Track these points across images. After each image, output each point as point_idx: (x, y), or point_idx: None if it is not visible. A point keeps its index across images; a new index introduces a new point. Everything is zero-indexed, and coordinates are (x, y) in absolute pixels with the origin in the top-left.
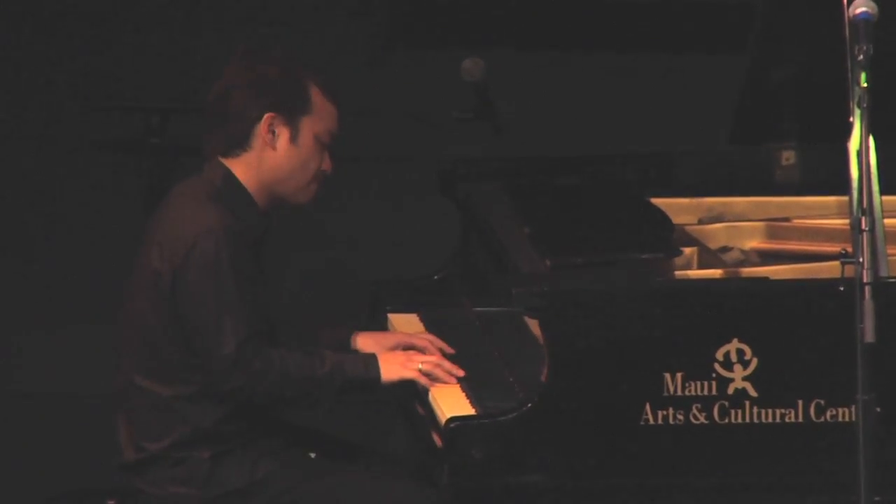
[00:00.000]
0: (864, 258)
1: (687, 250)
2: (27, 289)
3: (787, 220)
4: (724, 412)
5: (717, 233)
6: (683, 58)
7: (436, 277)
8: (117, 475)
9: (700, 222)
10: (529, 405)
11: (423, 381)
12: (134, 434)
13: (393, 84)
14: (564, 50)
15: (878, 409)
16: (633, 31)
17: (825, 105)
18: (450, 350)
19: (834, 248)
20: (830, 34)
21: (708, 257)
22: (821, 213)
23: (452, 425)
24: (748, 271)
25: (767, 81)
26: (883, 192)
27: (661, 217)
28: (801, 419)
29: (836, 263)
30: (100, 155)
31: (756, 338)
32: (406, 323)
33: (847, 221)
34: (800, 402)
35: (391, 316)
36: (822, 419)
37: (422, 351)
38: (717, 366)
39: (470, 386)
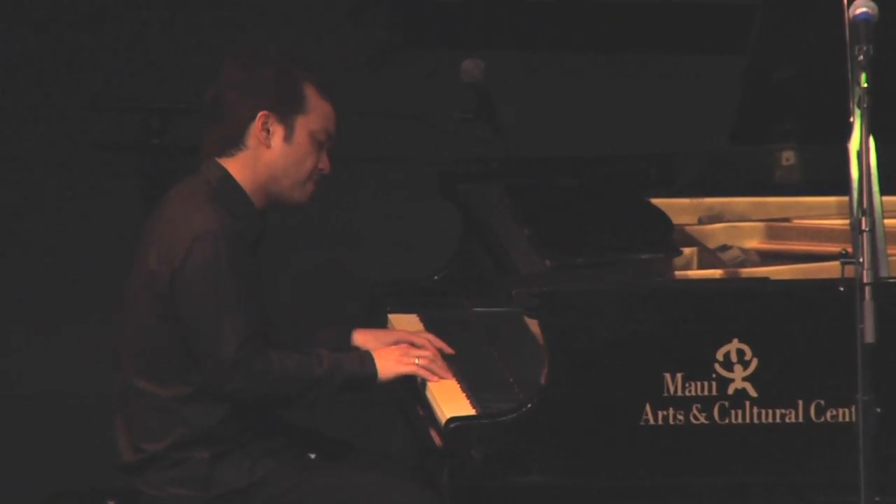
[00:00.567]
0: (865, 258)
1: (687, 250)
2: (27, 289)
3: (787, 220)
4: (724, 412)
5: (717, 233)
6: (683, 58)
7: (436, 278)
8: (117, 476)
9: (700, 222)
10: (529, 405)
11: (421, 373)
12: (133, 435)
13: (393, 85)
14: (564, 51)
15: (878, 410)
16: (634, 33)
17: (825, 105)
18: (448, 350)
19: (834, 248)
20: (830, 35)
21: (708, 257)
22: (821, 213)
23: (452, 425)
24: (748, 271)
25: (767, 82)
26: (883, 192)
27: (662, 217)
28: (801, 419)
29: (836, 264)
30: (100, 156)
31: (756, 338)
32: (406, 323)
33: (847, 222)
34: (800, 403)
35: (391, 316)
36: (823, 419)
37: (419, 348)
38: (717, 366)
39: (470, 386)
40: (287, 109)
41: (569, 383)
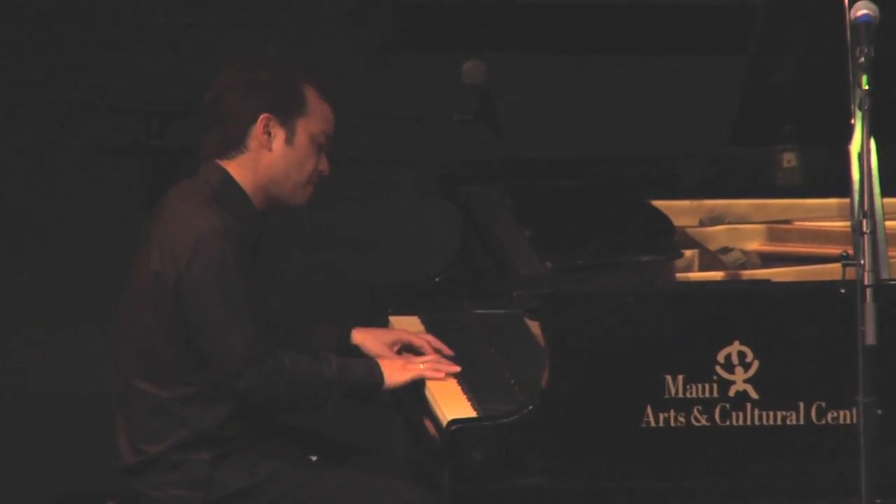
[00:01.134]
0: (866, 260)
1: (688, 252)
2: (28, 290)
3: (788, 222)
4: (725, 414)
5: (718, 235)
6: (684, 60)
7: (437, 279)
8: (118, 478)
9: (701, 224)
10: (530, 407)
11: (427, 374)
12: (133, 437)
13: (394, 87)
14: (565, 53)
15: (880, 412)
16: (634, 34)
17: (826, 107)
18: (448, 351)
19: (835, 250)
20: (832, 36)
21: (709, 259)
22: (822, 215)
23: (453, 428)
24: (749, 274)
25: (768, 83)
26: (884, 194)
27: (662, 219)
28: (802, 421)
29: (838, 266)
30: (100, 158)
31: (757, 340)
32: (407, 325)
33: (848, 224)
34: (801, 405)
35: (392, 318)
36: (824, 421)
37: (419, 350)
38: (718, 368)
39: (471, 388)
40: (288, 112)
41: (570, 385)
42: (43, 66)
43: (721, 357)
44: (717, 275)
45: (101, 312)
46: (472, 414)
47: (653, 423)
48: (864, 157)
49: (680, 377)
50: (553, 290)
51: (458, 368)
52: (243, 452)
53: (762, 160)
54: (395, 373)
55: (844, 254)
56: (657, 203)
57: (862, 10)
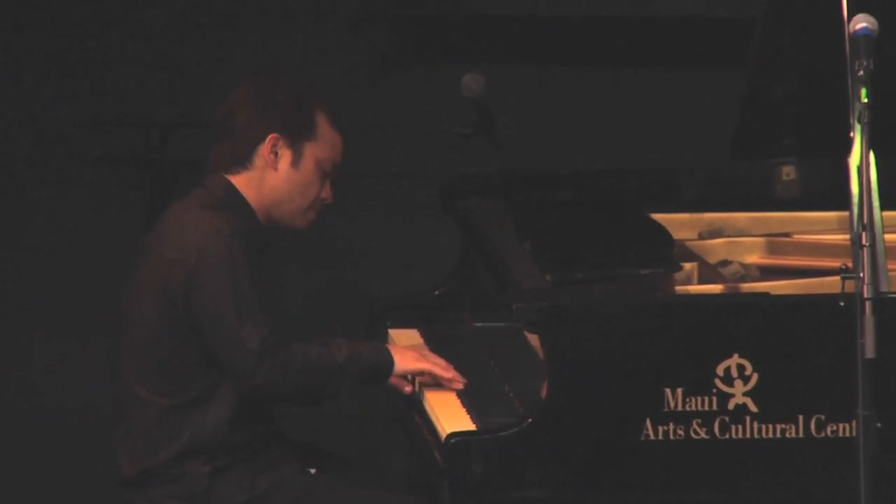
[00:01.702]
0: (865, 273)
1: (687, 265)
2: (27, 302)
3: (787, 235)
4: (724, 427)
5: (717, 248)
6: (684, 73)
7: (436, 293)
8: (116, 492)
9: (700, 237)
10: (530, 420)
11: (436, 371)
12: (133, 446)
13: (393, 100)
14: (564, 66)
15: (879, 425)
16: (634, 47)
17: (825, 120)
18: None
19: (834, 263)
20: (831, 49)
21: (708, 272)
22: (821, 228)
23: (453, 441)
24: (749, 286)
25: (768, 97)
26: (883, 207)
27: (662, 232)
28: (801, 434)
29: (837, 279)
30: (101, 170)
31: (756, 353)
32: (407, 338)
33: (847, 237)
34: (800, 418)
35: (392, 331)
36: (823, 434)
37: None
38: (717, 381)
39: (470, 401)
40: (298, 135)
41: (569, 398)
42: (43, 79)
43: (720, 370)
44: (716, 288)
45: (100, 324)
46: (472, 427)
47: (652, 437)
48: (863, 169)
49: (679, 390)
50: (552, 303)
51: (463, 382)
52: (242, 465)
53: (761, 173)
54: (407, 359)
55: (844, 267)
56: (656, 216)
57: (861, 24)
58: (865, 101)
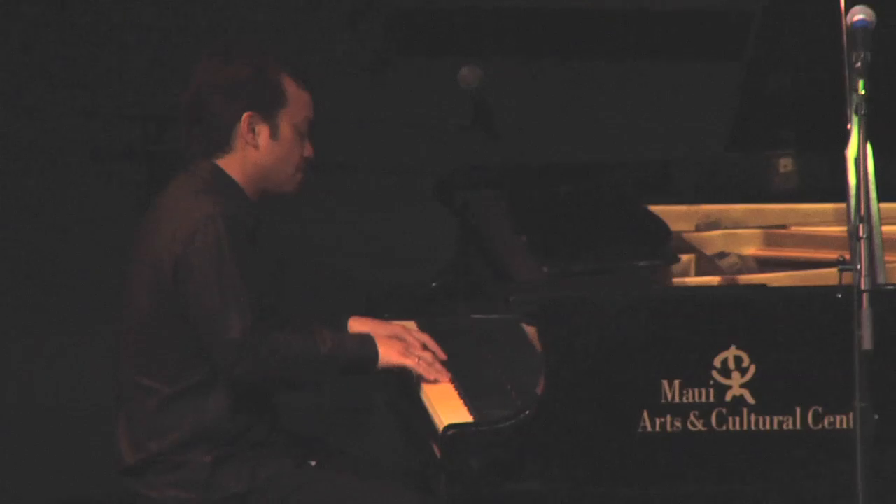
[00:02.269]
0: (862, 265)
1: (684, 257)
2: (25, 294)
3: (784, 227)
4: (721, 419)
5: (714, 240)
6: (681, 65)
7: (433, 285)
8: (116, 481)
9: (698, 229)
10: (527, 412)
11: (420, 369)
12: (134, 434)
13: (390, 92)
14: (562, 58)
15: (876, 417)
16: (631, 40)
17: (823, 112)
18: (442, 355)
19: (832, 255)
20: (828, 41)
21: (706, 264)
22: (818, 220)
23: (450, 433)
24: (746, 278)
25: (765, 88)
26: (881, 199)
27: (659, 224)
28: (798, 426)
29: (834, 271)
30: (98, 162)
31: (754, 345)
32: None
33: (845, 229)
34: (797, 410)
35: None
36: (820, 426)
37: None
38: (714, 373)
39: (467, 393)
40: (270, 107)
41: (566, 390)
42: (40, 72)
43: (717, 362)
44: (713, 279)
45: (98, 316)
46: (469, 419)
47: (649, 428)
48: (860, 161)
49: (676, 382)
50: (550, 295)
51: (449, 376)
52: (243, 456)
53: (759, 165)
54: (391, 352)
55: (841, 259)
56: (654, 208)
57: (858, 16)
58: (863, 92)
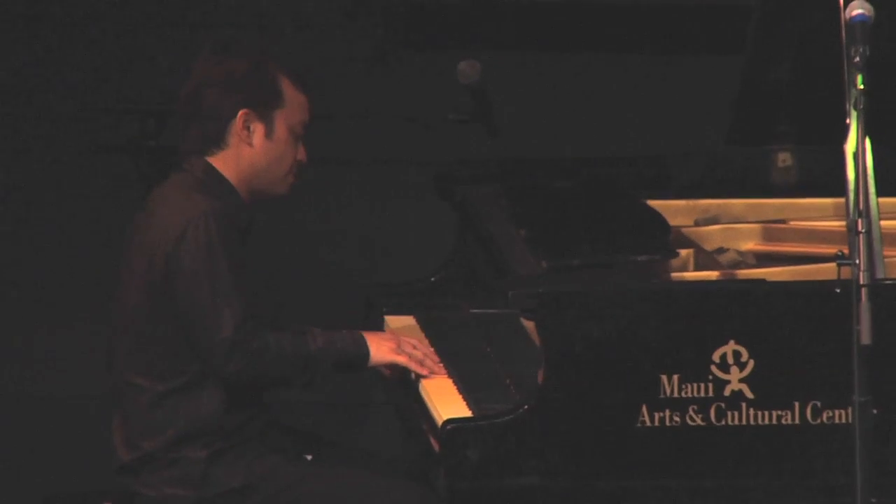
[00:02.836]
0: (861, 260)
1: (683, 252)
2: (22, 290)
3: (783, 221)
4: (720, 414)
5: (713, 235)
6: (679, 59)
7: (432, 279)
8: (112, 478)
9: (696, 224)
10: (526, 407)
11: (412, 366)
12: (129, 432)
13: (389, 86)
14: (560, 52)
15: (875, 411)
16: (629, 33)
17: (822, 107)
18: (435, 358)
19: (830, 249)
20: (827, 36)
21: (704, 259)
22: (817, 214)
23: (449, 427)
24: (745, 273)
25: (764, 83)
26: (879, 193)
27: (658, 219)
28: (797, 421)
29: (833, 265)
30: (96, 157)
31: (752, 340)
32: (402, 325)
33: (844, 223)
34: (796, 404)
35: (388, 318)
36: (819, 421)
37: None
38: (713, 367)
39: (466, 388)
40: (266, 106)
41: (565, 384)
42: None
43: (716, 357)
44: (712, 274)
45: (95, 312)
46: (468, 413)
47: (648, 423)
48: (859, 156)
49: (675, 377)
50: (549, 290)
51: (442, 372)
52: (238, 451)
53: (757, 160)
54: (383, 350)
55: (840, 253)
56: (653, 203)
57: (857, 10)
58: (861, 87)
